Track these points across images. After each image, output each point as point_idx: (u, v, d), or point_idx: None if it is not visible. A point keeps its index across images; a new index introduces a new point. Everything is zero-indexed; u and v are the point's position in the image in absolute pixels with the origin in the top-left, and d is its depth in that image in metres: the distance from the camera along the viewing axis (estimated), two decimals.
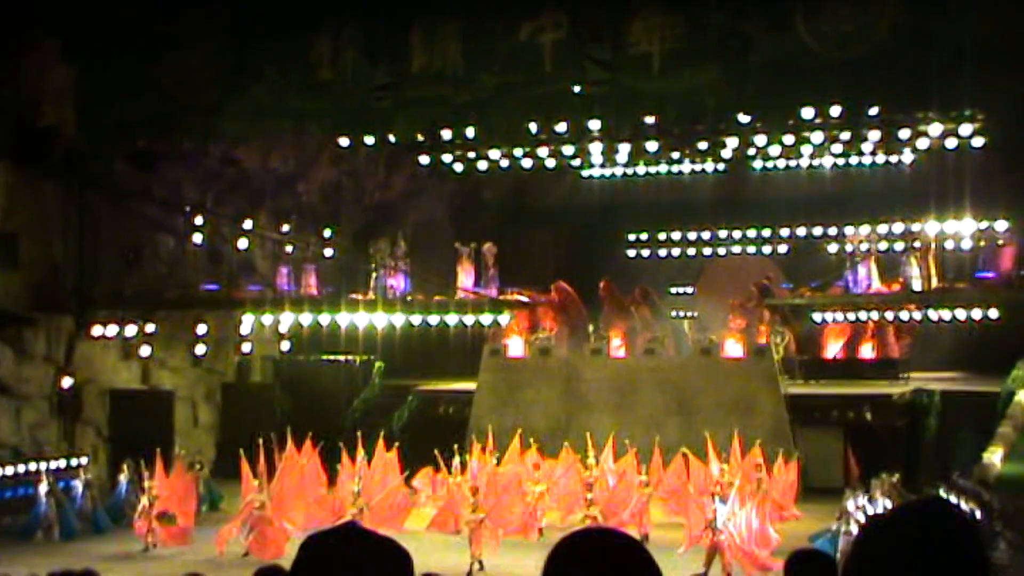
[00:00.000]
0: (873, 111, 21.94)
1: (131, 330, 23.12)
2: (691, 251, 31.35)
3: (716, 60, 19.33)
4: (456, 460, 19.35)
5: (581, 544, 3.41)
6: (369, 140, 23.86)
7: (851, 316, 24.58)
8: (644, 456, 19.07)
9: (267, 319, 24.20)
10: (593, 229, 31.07)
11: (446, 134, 23.63)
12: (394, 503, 17.89)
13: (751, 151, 25.41)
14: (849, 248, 24.43)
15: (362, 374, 25.83)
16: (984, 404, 21.88)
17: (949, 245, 23.88)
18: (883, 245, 25.79)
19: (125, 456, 20.60)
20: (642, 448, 20.27)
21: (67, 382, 22.55)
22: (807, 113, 21.37)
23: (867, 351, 26.06)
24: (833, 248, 27.44)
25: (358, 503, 17.14)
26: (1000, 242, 22.99)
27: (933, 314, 23.79)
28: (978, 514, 16.89)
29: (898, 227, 26.63)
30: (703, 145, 24.88)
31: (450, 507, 17.42)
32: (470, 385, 24.13)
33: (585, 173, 29.06)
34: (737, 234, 30.57)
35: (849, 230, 26.21)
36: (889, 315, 24.27)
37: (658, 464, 18.71)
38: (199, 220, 23.63)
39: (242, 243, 24.05)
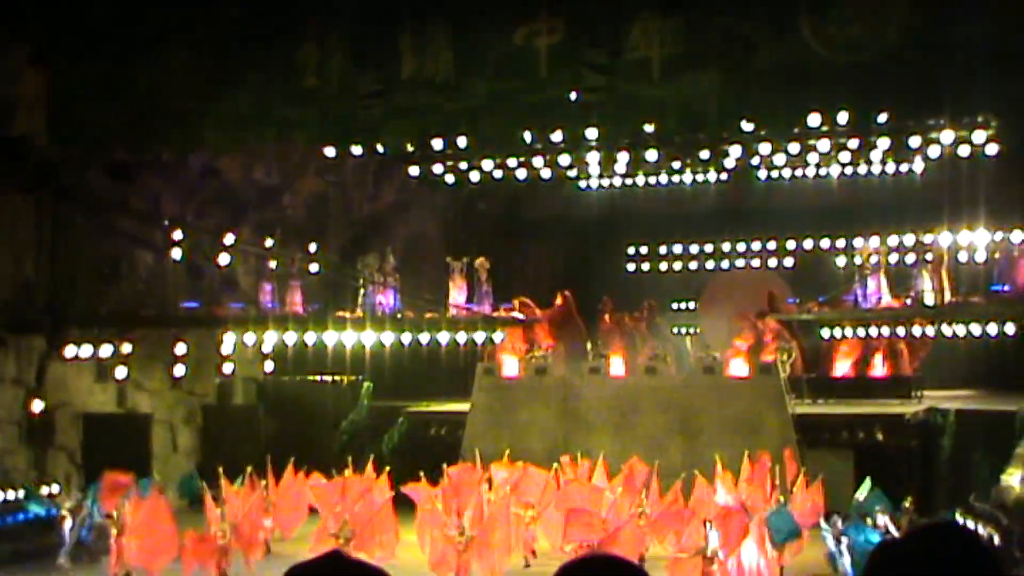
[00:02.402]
0: (882, 118, 21.34)
1: (106, 350, 22.27)
2: (693, 264, 30.81)
3: (718, 65, 18.83)
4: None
5: (584, 570, 3.50)
6: (357, 150, 23.31)
7: (861, 332, 23.97)
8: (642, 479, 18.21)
9: (250, 338, 23.43)
10: (591, 242, 30.61)
11: (437, 144, 23.07)
12: (383, 530, 16.98)
13: (755, 160, 24.89)
14: (858, 261, 23.87)
15: (350, 395, 25.02)
16: (1001, 423, 21.14)
17: (963, 257, 23.26)
18: (894, 257, 25.15)
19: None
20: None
21: (38, 406, 21.67)
22: (813, 120, 20.81)
23: (878, 368, 25.44)
24: (841, 261, 26.90)
25: (343, 532, 16.31)
26: (1016, 254, 22.38)
27: (947, 329, 23.15)
28: (996, 539, 16.33)
29: (909, 239, 25.94)
30: (705, 154, 24.28)
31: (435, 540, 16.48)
32: (463, 406, 23.41)
33: (582, 184, 28.55)
34: (741, 247, 30.08)
35: (858, 242, 25.67)
36: (900, 331, 23.64)
37: (655, 492, 17.70)
38: (178, 234, 22.84)
39: (223, 259, 23.25)
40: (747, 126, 21.75)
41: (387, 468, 18.99)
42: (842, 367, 25.78)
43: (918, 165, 25.28)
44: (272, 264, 23.80)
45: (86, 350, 22.08)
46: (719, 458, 18.40)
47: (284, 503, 19.16)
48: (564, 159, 24.45)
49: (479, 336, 23.96)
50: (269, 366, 25.72)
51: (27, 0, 20.59)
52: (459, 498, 16.74)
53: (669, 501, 17.22)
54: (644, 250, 31.20)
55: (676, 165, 26.72)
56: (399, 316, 23.65)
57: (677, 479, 18.75)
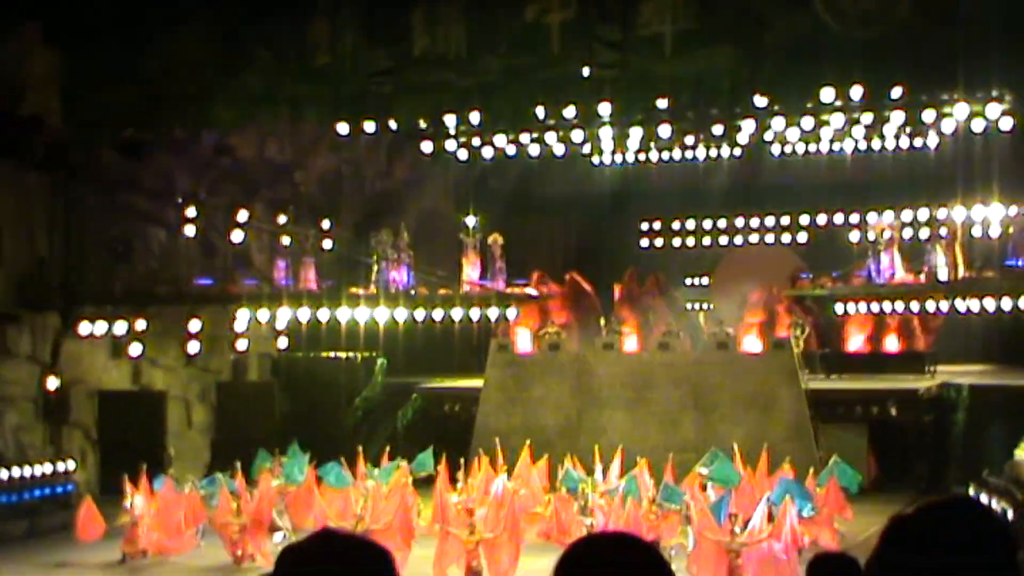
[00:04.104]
0: (896, 93, 21.18)
1: (120, 327, 22.32)
2: (706, 240, 30.66)
3: (730, 40, 18.80)
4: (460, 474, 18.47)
5: (593, 547, 3.45)
6: (369, 127, 23.20)
7: (874, 307, 23.80)
8: (658, 458, 18.08)
9: (264, 315, 23.35)
10: (604, 218, 30.49)
11: (450, 120, 23.00)
12: (401, 528, 16.72)
13: (768, 136, 24.64)
14: (872, 236, 23.61)
15: (364, 372, 25.04)
16: (1015, 398, 21.25)
17: (977, 232, 23.03)
18: (907, 233, 25.00)
19: (115, 460, 19.96)
20: (656, 447, 19.60)
21: (53, 383, 21.73)
22: (827, 95, 20.69)
23: (891, 344, 25.35)
24: (855, 236, 26.65)
25: (359, 527, 16.11)
26: None
27: (960, 304, 22.94)
28: (1010, 514, 16.50)
29: (923, 214, 25.84)
30: (718, 130, 24.09)
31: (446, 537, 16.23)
32: (476, 382, 23.37)
33: (595, 160, 28.29)
34: (755, 222, 29.90)
35: (871, 217, 25.47)
36: (914, 306, 23.47)
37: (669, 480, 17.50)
38: (191, 212, 22.88)
39: (237, 236, 23.29)
40: (760, 101, 21.61)
41: (401, 462, 18.79)
42: (855, 342, 25.68)
43: (932, 140, 25.00)
44: (285, 241, 23.71)
45: (100, 327, 22.14)
46: (736, 444, 18.26)
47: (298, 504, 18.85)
48: (577, 135, 24.27)
49: (493, 312, 23.85)
50: (283, 343, 25.73)
51: None
52: (470, 500, 16.70)
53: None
54: (657, 226, 31.03)
55: (689, 141, 26.50)
56: (412, 292, 23.53)
57: (690, 453, 18.80)
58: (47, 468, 20.46)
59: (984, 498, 17.91)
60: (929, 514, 3.47)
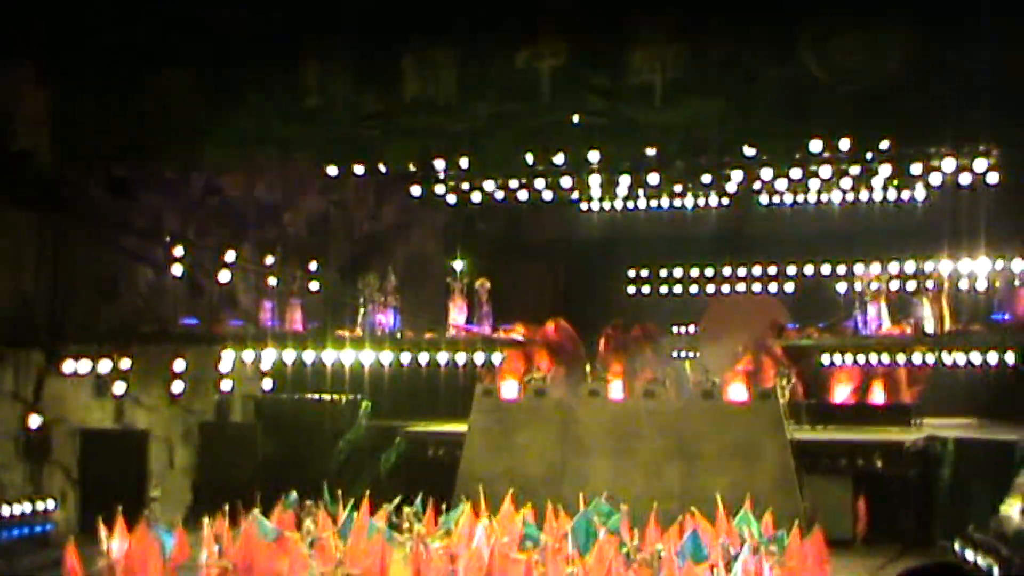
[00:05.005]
0: (884, 145, 21.33)
1: (105, 365, 22.19)
2: (693, 289, 30.56)
3: (720, 91, 18.84)
4: (442, 519, 18.32)
5: None
6: (359, 170, 23.27)
7: (860, 358, 23.79)
8: (641, 507, 17.97)
9: (248, 355, 23.35)
10: (591, 265, 30.40)
11: (439, 164, 23.03)
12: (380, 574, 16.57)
13: (756, 185, 24.72)
14: (858, 287, 23.59)
15: (348, 414, 24.86)
16: (1001, 453, 20.96)
17: (963, 285, 23.03)
18: (894, 285, 24.92)
19: (96, 500, 19.79)
20: (640, 495, 19.48)
21: (35, 421, 21.52)
22: (815, 146, 20.80)
23: (877, 396, 25.23)
24: (842, 287, 26.57)
25: (339, 572, 15.96)
26: (1017, 283, 22.17)
27: (947, 357, 22.96)
28: (995, 571, 16.47)
29: (910, 266, 25.86)
30: (707, 179, 24.18)
31: None
32: (461, 427, 23.20)
33: (583, 206, 28.39)
34: (742, 271, 29.82)
35: (859, 268, 25.46)
36: (900, 358, 23.45)
37: (652, 534, 17.36)
38: (179, 251, 22.85)
39: (224, 276, 23.25)
40: (749, 151, 21.68)
41: (384, 506, 18.64)
42: (841, 393, 25.59)
43: (919, 192, 25.18)
44: (272, 282, 23.72)
45: (84, 365, 21.98)
46: (719, 496, 18.13)
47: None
48: (566, 181, 24.34)
49: (478, 357, 23.81)
50: (268, 384, 25.60)
51: (30, 17, 20.52)
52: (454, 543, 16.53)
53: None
54: (645, 273, 30.93)
55: (678, 189, 26.60)
56: (399, 336, 23.54)
57: (673, 508, 18.67)
58: (27, 507, 20.26)
59: (969, 554, 17.87)
60: None
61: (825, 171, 22.87)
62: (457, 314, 24.31)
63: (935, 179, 22.69)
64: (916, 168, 22.37)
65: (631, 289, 31.14)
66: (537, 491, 20.19)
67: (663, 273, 30.82)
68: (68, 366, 21.83)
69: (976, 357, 22.52)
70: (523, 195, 25.17)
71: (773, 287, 29.65)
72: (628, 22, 18.88)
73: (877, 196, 25.85)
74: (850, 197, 26.01)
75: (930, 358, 23.40)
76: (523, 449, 22.44)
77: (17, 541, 19.95)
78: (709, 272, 30.31)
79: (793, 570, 16.18)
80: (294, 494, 18.90)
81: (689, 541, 15.75)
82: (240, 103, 20.53)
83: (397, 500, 18.44)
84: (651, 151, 21.76)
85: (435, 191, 25.66)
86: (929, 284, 22.99)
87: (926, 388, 25.50)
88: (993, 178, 22.05)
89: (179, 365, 23.16)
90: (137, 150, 21.47)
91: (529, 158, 22.39)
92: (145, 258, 23.48)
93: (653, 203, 27.85)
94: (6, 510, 19.86)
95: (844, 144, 20.70)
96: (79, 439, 22.55)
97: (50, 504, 20.75)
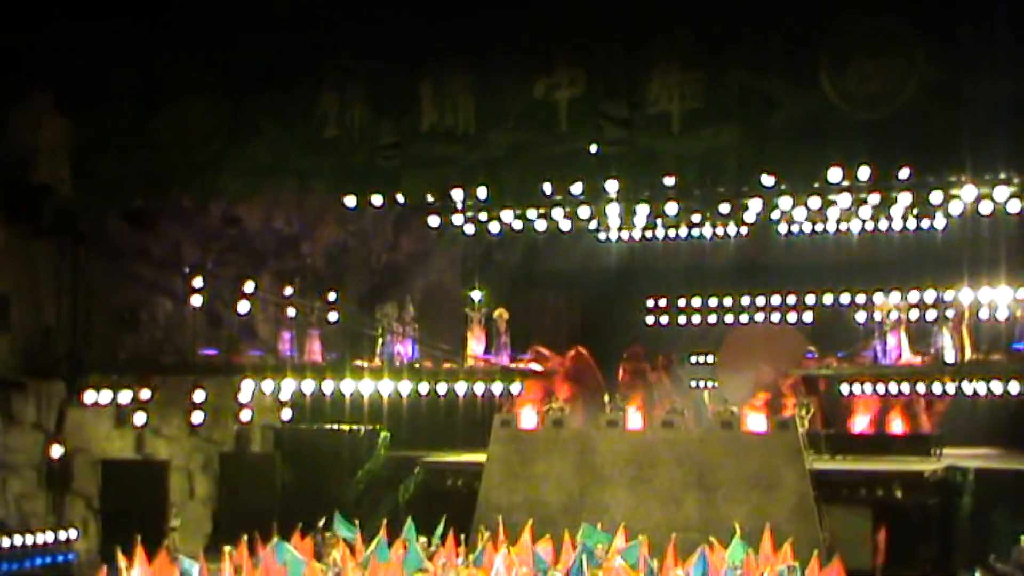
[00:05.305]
0: (903, 174, 21.14)
1: (125, 396, 22.30)
2: (712, 318, 30.57)
3: (738, 119, 18.66)
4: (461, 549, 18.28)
5: None
6: (376, 200, 23.23)
7: (880, 388, 23.72)
8: (660, 537, 17.87)
9: (268, 386, 23.31)
10: (609, 294, 30.36)
11: (456, 194, 22.99)
12: None
13: (775, 214, 24.63)
14: (878, 317, 23.58)
15: (367, 444, 24.91)
16: (1022, 482, 21.06)
17: (984, 314, 23.00)
18: (914, 314, 24.92)
19: (117, 529, 19.78)
20: (659, 526, 19.42)
21: (57, 451, 21.65)
22: (834, 175, 20.58)
23: (897, 425, 25.16)
24: (861, 317, 26.56)
25: None
26: None
27: (967, 387, 22.89)
28: None
29: (930, 295, 25.65)
30: (725, 208, 24.05)
31: None
32: (479, 457, 23.25)
33: (601, 236, 28.41)
34: (760, 301, 29.76)
35: (878, 298, 25.25)
36: (920, 387, 23.38)
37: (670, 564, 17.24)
38: (198, 282, 22.86)
39: (243, 306, 23.22)
40: (767, 180, 21.53)
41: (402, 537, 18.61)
42: (861, 423, 25.53)
43: (939, 221, 25.03)
44: (291, 312, 23.73)
45: (105, 396, 22.10)
46: (737, 522, 18.04)
47: None
48: (584, 211, 24.25)
49: (497, 387, 23.79)
50: (287, 414, 25.67)
51: (49, 49, 20.64)
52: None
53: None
54: (663, 303, 30.95)
55: (696, 219, 26.58)
56: (417, 366, 23.53)
57: (693, 533, 18.60)
58: (48, 537, 20.43)
59: None
60: None
61: (844, 200, 22.68)
62: (475, 344, 24.34)
63: (955, 208, 22.44)
64: (936, 197, 22.15)
65: (649, 319, 31.16)
66: (556, 521, 20.14)
67: (681, 303, 30.83)
68: (89, 396, 21.93)
69: (997, 386, 22.44)
70: (541, 225, 25.13)
71: (792, 317, 29.59)
72: (645, 51, 18.88)
73: (896, 225, 25.76)
74: (869, 226, 25.99)
75: (950, 387, 23.31)
76: (542, 479, 22.42)
77: (41, 570, 20.04)
78: (727, 302, 30.29)
79: None
80: (321, 522, 18.96)
81: (699, 565, 15.64)
82: (258, 134, 20.58)
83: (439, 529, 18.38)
84: (669, 180, 21.60)
85: (453, 221, 25.69)
86: (949, 313, 22.87)
87: (946, 418, 25.44)
88: (1014, 206, 21.83)
89: (199, 395, 23.20)
90: (156, 181, 21.50)
91: (547, 188, 22.32)
92: (164, 289, 23.55)
93: (671, 233, 27.87)
94: (29, 539, 19.95)
95: (863, 173, 20.51)
96: (100, 469, 22.67)
97: (72, 534, 20.91)
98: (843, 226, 26.02)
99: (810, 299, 29.26)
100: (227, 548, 17.23)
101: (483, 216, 25.30)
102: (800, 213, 24.17)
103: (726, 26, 18.50)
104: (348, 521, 18.94)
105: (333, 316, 24.09)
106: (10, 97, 20.86)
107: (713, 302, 30.44)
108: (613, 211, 24.51)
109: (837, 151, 19.10)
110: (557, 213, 24.42)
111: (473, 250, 28.82)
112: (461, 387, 23.42)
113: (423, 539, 18.11)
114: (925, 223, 25.46)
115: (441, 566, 17.00)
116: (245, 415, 24.60)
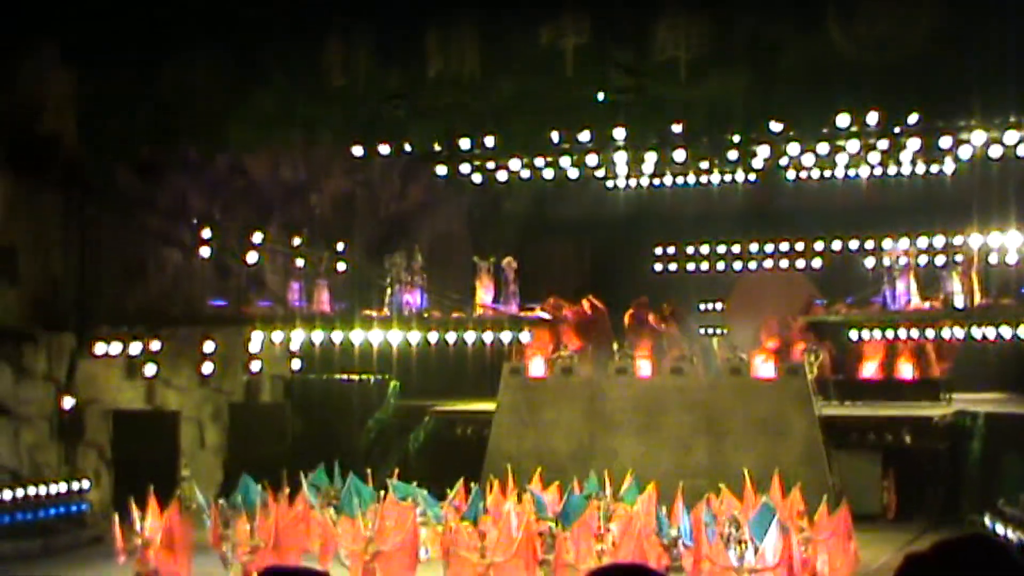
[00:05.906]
0: (912, 118, 21.13)
1: (135, 348, 22.32)
2: (720, 265, 30.52)
3: (745, 65, 18.67)
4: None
5: None
6: (384, 150, 23.22)
7: (889, 334, 23.67)
8: (669, 484, 17.89)
9: (277, 336, 23.38)
10: (618, 242, 30.37)
11: (464, 143, 22.99)
12: (404, 554, 16.58)
13: (783, 161, 24.59)
14: (887, 262, 23.44)
15: (376, 394, 25.02)
16: None
17: (993, 259, 22.90)
18: (923, 259, 24.84)
19: (129, 479, 19.88)
20: (668, 472, 19.48)
21: (68, 402, 21.73)
22: (842, 121, 20.61)
23: (906, 371, 25.07)
24: (870, 262, 26.57)
25: (370, 548, 15.98)
26: None
27: (976, 332, 22.79)
28: None
29: (939, 240, 25.76)
30: (733, 155, 24.06)
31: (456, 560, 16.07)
32: (489, 406, 23.25)
33: (609, 184, 28.33)
34: (769, 248, 29.73)
35: (887, 243, 25.35)
36: (929, 333, 23.33)
37: (679, 510, 17.16)
38: (206, 233, 22.88)
39: (251, 257, 23.25)
40: (775, 126, 21.56)
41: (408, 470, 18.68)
42: (870, 369, 25.46)
43: (948, 166, 24.98)
44: (299, 263, 23.72)
45: (115, 347, 22.13)
46: (746, 471, 18.00)
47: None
48: (592, 159, 24.26)
49: (506, 336, 23.78)
50: (296, 364, 25.71)
51: (54, 0, 20.57)
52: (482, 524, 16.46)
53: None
54: (671, 250, 30.91)
55: (704, 165, 26.55)
56: (426, 315, 23.49)
57: (702, 479, 18.65)
58: (62, 487, 20.50)
59: (1000, 528, 17.80)
60: (945, 553, 3.43)
61: (853, 145, 22.74)
62: (484, 293, 24.29)
63: (964, 152, 22.41)
64: (945, 141, 22.18)
65: (658, 266, 31.13)
66: (565, 468, 20.18)
67: (690, 250, 30.80)
68: (99, 348, 21.97)
69: (1006, 331, 22.37)
70: (549, 173, 25.12)
71: (801, 263, 29.56)
72: None
73: (905, 170, 25.70)
74: (878, 171, 25.90)
75: (959, 332, 23.25)
76: (551, 427, 22.46)
77: (54, 520, 20.17)
78: (736, 249, 30.25)
79: (821, 545, 16.15)
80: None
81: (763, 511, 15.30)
82: (264, 83, 20.54)
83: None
84: (677, 127, 21.67)
85: (460, 170, 25.69)
86: (958, 258, 22.97)
87: (955, 363, 25.40)
88: None
89: (208, 346, 23.28)
90: (163, 132, 21.49)
91: (555, 136, 22.35)
92: (172, 240, 23.53)
93: (679, 180, 27.83)
94: (43, 489, 20.06)
95: (872, 118, 20.53)
96: (111, 420, 22.75)
97: (85, 484, 20.97)
98: (852, 172, 25.97)
99: (819, 245, 29.18)
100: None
101: (491, 165, 25.33)
102: (808, 159, 24.08)
103: None
104: (359, 473, 18.90)
105: (341, 266, 24.12)
106: (16, 49, 20.77)
107: (721, 249, 30.36)
108: (621, 159, 24.52)
109: (845, 96, 19.11)
110: (565, 161, 24.41)
111: (481, 199, 28.76)
112: (470, 336, 23.36)
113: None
114: (934, 168, 25.41)
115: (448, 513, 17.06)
116: (255, 365, 24.62)
